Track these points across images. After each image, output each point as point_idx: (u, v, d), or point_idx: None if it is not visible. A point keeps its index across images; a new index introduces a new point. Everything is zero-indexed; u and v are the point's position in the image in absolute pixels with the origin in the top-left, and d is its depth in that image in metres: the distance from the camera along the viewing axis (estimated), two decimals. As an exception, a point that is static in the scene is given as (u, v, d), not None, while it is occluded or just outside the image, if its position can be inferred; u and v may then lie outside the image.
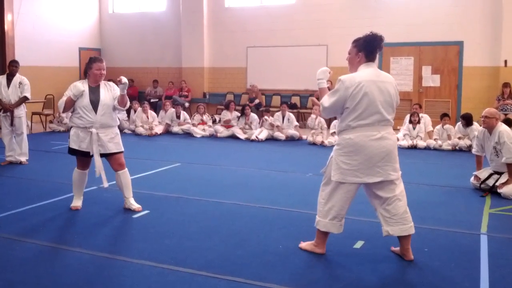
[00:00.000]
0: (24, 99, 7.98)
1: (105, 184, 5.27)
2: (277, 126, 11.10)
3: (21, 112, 8.06)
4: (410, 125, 10.34)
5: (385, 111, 3.73)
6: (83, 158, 5.23)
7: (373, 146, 3.69)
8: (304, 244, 4.14)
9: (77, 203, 5.39)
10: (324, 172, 3.97)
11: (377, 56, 3.88)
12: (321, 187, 3.98)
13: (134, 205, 5.29)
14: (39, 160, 8.35)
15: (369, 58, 3.79)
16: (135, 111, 12.45)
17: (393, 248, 4.09)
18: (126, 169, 5.31)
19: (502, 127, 6.00)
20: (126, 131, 12.33)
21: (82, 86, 5.07)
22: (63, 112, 5.26)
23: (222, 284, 3.49)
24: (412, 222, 3.88)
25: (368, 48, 3.78)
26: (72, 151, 5.22)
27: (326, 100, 3.76)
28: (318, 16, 13.75)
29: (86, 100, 5.04)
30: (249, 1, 14.71)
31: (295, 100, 14.01)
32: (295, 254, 4.04)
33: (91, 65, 5.10)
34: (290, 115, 11.34)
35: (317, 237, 4.03)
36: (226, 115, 11.87)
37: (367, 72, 3.74)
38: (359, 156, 3.71)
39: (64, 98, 5.06)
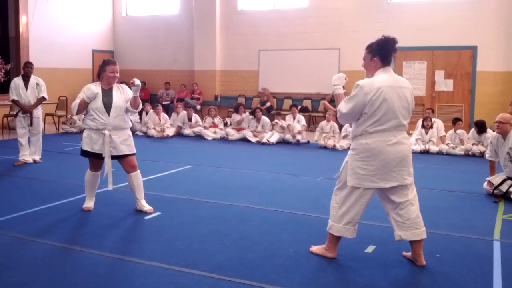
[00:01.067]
0: (42, 100, 8.23)
1: (110, 187, 5.35)
2: (288, 125, 11.08)
3: (39, 112, 8.33)
4: (423, 130, 10.27)
5: (402, 116, 3.72)
6: (96, 160, 5.27)
7: (389, 151, 3.68)
8: (315, 248, 4.13)
9: (89, 204, 5.42)
10: (338, 177, 3.96)
11: (392, 59, 3.87)
12: (335, 192, 3.97)
13: (146, 206, 5.32)
14: (52, 161, 8.41)
15: (385, 62, 3.78)
16: (147, 113, 12.52)
17: (404, 253, 4.07)
18: (138, 171, 5.34)
19: (516, 132, 5.94)
20: (138, 133, 12.38)
21: (96, 88, 5.11)
22: (77, 114, 5.29)
23: (233, 287, 3.49)
24: (424, 227, 3.86)
25: (382, 52, 3.76)
26: (84, 153, 5.25)
27: (344, 106, 3.74)
28: (330, 20, 13.74)
29: (99, 102, 5.08)
30: (262, 5, 14.74)
31: (307, 103, 13.99)
32: (306, 258, 4.03)
33: (104, 68, 5.13)
34: (300, 117, 11.34)
35: (329, 241, 4.02)
36: (236, 118, 11.91)
37: (385, 77, 3.72)
38: (376, 161, 3.70)
39: (77, 100, 5.11)
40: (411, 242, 3.88)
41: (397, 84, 3.73)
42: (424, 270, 3.79)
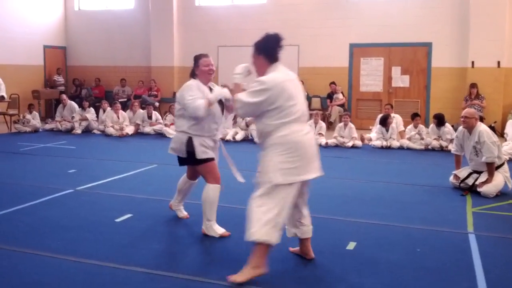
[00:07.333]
0: (1, 99, 7.88)
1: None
2: (249, 120, 10.99)
3: None
4: (383, 128, 10.29)
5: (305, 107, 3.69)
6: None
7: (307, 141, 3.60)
8: (238, 277, 3.48)
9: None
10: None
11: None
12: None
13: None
14: (8, 162, 8.00)
15: (271, 59, 3.67)
16: (104, 111, 12.13)
17: (292, 249, 4.02)
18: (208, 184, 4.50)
19: (481, 127, 6.09)
20: (95, 131, 12.01)
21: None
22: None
23: (219, 289, 3.39)
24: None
25: (266, 49, 3.68)
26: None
27: (246, 97, 3.58)
28: (289, 16, 13.73)
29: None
30: (220, 0, 14.57)
31: (267, 100, 13.94)
32: (291, 257, 3.97)
33: (198, 62, 4.48)
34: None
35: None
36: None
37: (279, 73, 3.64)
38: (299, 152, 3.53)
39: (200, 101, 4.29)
40: (302, 239, 3.86)
41: (290, 77, 3.67)
42: (408, 265, 3.81)
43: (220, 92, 4.33)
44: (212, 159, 4.45)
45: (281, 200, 3.47)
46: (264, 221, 3.41)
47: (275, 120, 3.53)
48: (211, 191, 4.41)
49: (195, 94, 4.29)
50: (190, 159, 4.44)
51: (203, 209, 4.45)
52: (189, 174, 4.76)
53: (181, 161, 4.56)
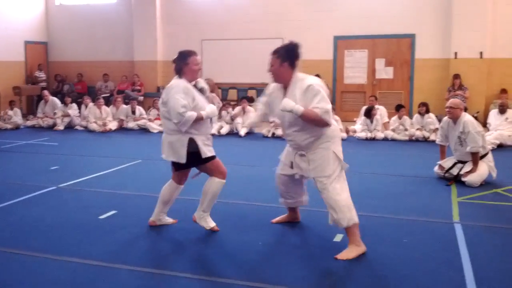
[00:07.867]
0: None
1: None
2: (234, 114, 10.96)
3: None
4: (368, 120, 10.34)
5: None
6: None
7: None
8: (344, 254, 3.79)
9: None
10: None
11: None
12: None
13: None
14: (-11, 160, 7.86)
15: (293, 67, 3.98)
16: (86, 106, 11.98)
17: (274, 220, 4.62)
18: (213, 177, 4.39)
19: (466, 117, 6.12)
20: (78, 127, 11.86)
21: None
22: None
23: (208, 285, 3.35)
24: None
25: (291, 58, 3.96)
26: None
27: (327, 104, 3.83)
28: (273, 9, 13.67)
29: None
30: (203, -7, 14.46)
31: (252, 93, 13.90)
32: (277, 251, 3.95)
33: (187, 61, 4.27)
34: (249, 108, 11.24)
35: (354, 234, 3.87)
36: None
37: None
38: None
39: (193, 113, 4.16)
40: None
41: None
42: (395, 257, 3.81)
43: (214, 111, 4.29)
44: (215, 156, 4.36)
45: (346, 182, 3.99)
46: (349, 206, 3.87)
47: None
48: (216, 185, 4.32)
49: (182, 101, 4.07)
50: (191, 161, 4.24)
51: (201, 199, 4.36)
52: (178, 179, 4.53)
53: (179, 165, 4.33)
